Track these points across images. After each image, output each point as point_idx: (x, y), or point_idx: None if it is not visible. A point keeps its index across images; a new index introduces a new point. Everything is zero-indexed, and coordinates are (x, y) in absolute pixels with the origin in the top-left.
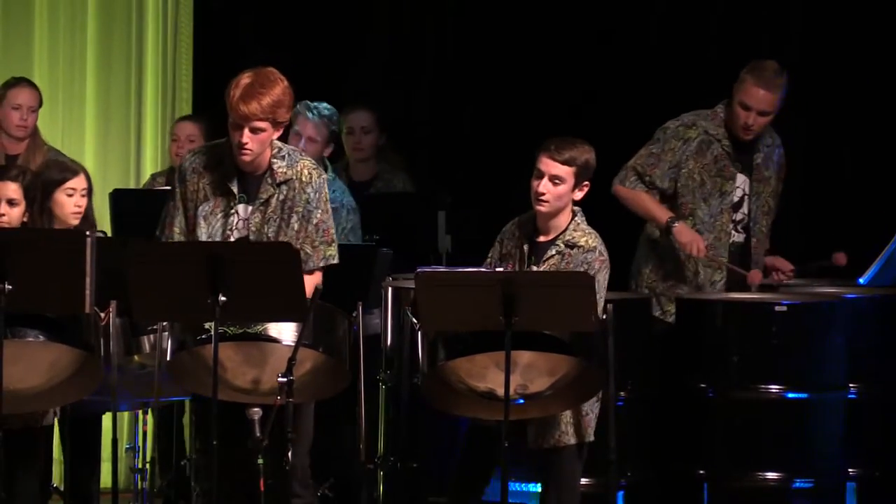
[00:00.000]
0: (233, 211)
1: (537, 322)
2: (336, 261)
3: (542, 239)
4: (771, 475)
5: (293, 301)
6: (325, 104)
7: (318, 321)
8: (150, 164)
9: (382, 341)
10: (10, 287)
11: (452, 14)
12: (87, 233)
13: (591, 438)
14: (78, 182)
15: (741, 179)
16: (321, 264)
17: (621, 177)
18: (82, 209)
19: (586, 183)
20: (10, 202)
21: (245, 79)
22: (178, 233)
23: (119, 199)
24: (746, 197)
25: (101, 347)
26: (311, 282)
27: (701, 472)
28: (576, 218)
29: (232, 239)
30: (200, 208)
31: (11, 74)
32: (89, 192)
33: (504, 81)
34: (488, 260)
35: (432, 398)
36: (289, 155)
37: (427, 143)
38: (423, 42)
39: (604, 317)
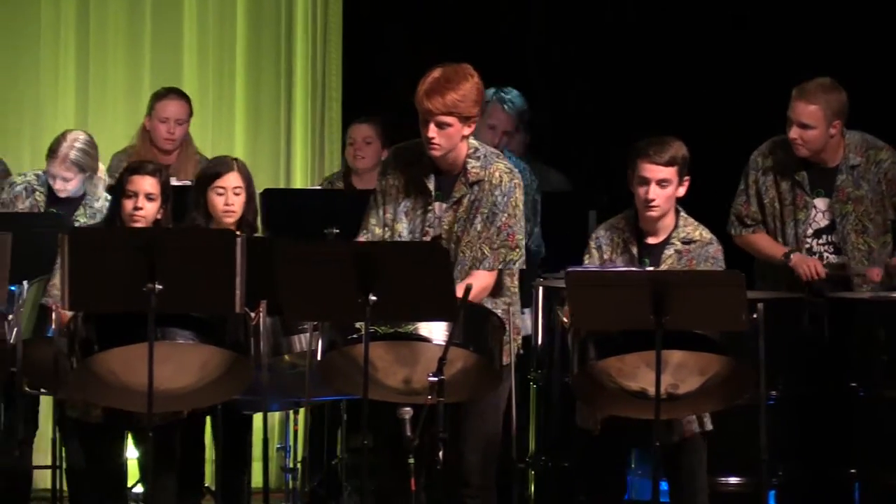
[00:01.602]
0: (430, 208)
1: (688, 321)
2: (521, 266)
3: (652, 241)
4: None
5: (444, 300)
6: (510, 90)
7: (469, 320)
8: (300, 165)
9: (533, 341)
10: (161, 287)
11: (610, 10)
12: (237, 232)
13: (710, 427)
14: (227, 180)
15: (823, 203)
16: (498, 266)
17: (729, 226)
18: (233, 208)
19: (687, 177)
20: (148, 196)
21: (434, 73)
22: (374, 224)
23: (270, 198)
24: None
25: (252, 347)
26: (480, 279)
27: (852, 471)
28: (681, 213)
29: (428, 237)
30: (402, 204)
31: (162, 77)
32: (246, 192)
33: (659, 79)
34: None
35: (583, 397)
36: (485, 156)
37: (581, 141)
38: (575, 39)
39: (754, 316)
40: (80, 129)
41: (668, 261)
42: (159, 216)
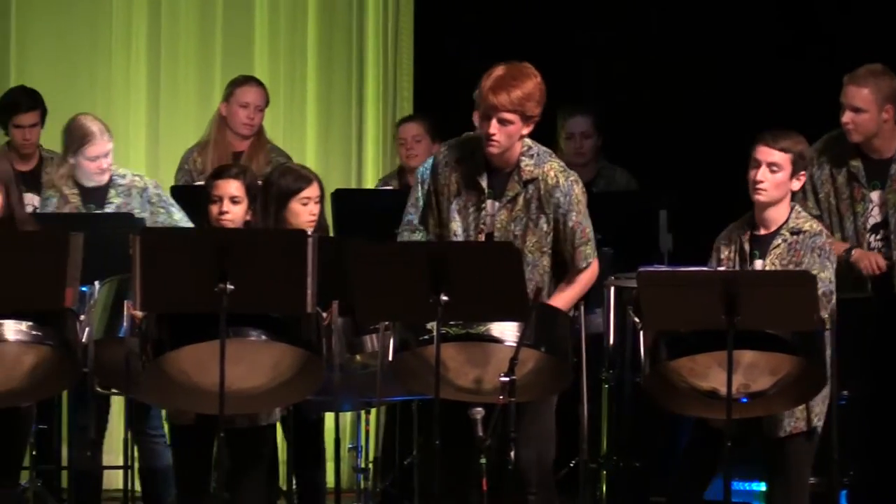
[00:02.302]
0: (483, 206)
1: (759, 321)
2: (594, 258)
3: (763, 232)
4: None
5: (516, 301)
6: None
7: (541, 321)
8: (372, 165)
9: (605, 340)
10: (233, 287)
11: (672, 9)
12: (309, 232)
13: (820, 428)
14: (312, 191)
15: (877, 197)
16: (583, 265)
17: None
18: (316, 217)
19: (803, 173)
20: (233, 200)
21: (498, 70)
22: (428, 223)
23: (341, 199)
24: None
25: (324, 347)
26: (587, 277)
27: None
28: (795, 207)
29: (482, 236)
30: (454, 202)
31: (232, 77)
32: (321, 199)
33: (730, 77)
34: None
35: (655, 397)
36: (538, 155)
37: (650, 141)
38: (640, 39)
39: (825, 315)
40: (151, 135)
41: (776, 251)
42: (248, 217)
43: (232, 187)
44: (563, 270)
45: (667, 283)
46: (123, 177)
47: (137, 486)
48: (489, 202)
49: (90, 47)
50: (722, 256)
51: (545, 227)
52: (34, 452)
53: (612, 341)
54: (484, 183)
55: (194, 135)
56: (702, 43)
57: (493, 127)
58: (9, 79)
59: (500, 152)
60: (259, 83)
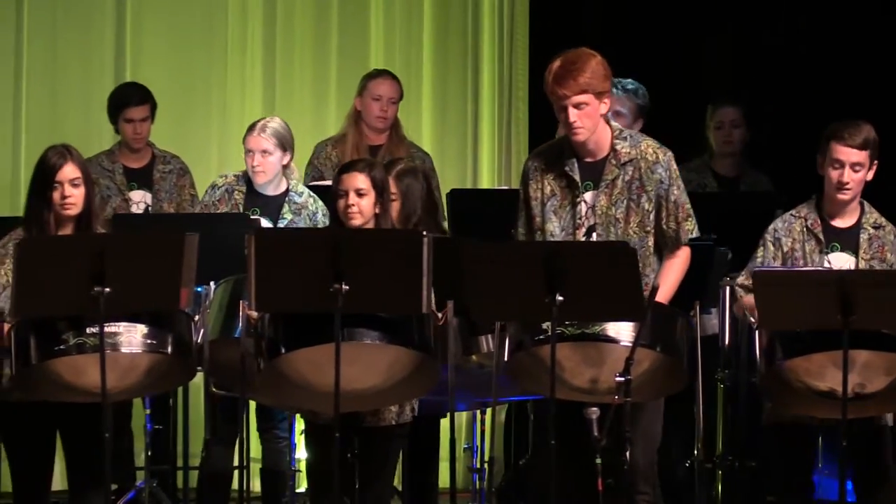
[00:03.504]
0: (579, 200)
1: (875, 321)
2: (696, 233)
3: (839, 224)
4: None
5: (631, 301)
6: (629, 80)
7: (656, 321)
8: (487, 165)
9: (720, 340)
10: (348, 288)
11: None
12: (424, 233)
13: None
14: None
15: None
16: (686, 239)
17: None
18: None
19: (876, 161)
20: (359, 192)
21: (556, 62)
22: (522, 233)
23: (457, 199)
24: None
25: (439, 347)
26: (681, 256)
27: None
28: (863, 199)
29: (582, 230)
30: (548, 204)
31: (348, 79)
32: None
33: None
34: (759, 260)
35: (770, 397)
36: (631, 136)
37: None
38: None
39: None
40: None
41: (864, 245)
42: (376, 211)
43: (357, 180)
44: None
45: (782, 283)
46: (300, 195)
47: (254, 486)
48: (587, 194)
49: (205, 47)
50: (787, 249)
51: (647, 205)
52: (149, 453)
53: (727, 341)
54: (577, 176)
55: (310, 133)
56: (836, 41)
57: (572, 115)
58: (124, 79)
59: (587, 136)
60: (392, 76)
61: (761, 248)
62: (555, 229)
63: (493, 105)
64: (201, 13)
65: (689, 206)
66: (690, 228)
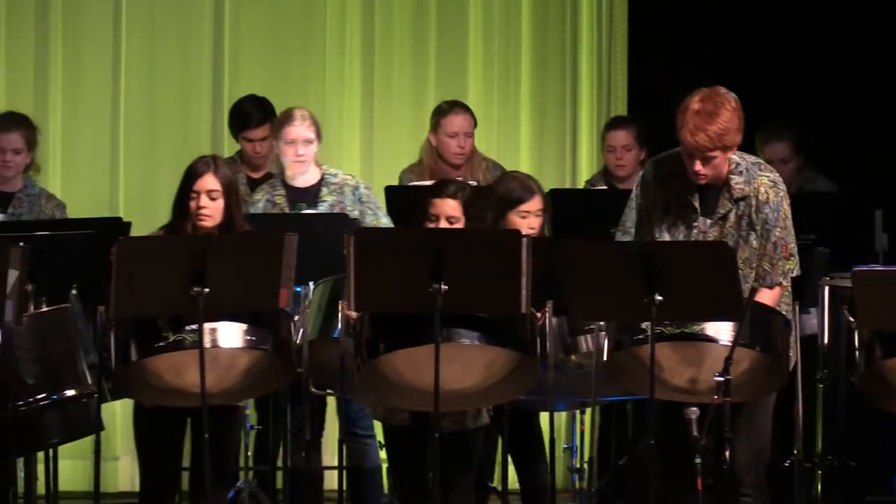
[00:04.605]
0: (694, 224)
1: None
2: (796, 273)
3: None
4: None
5: (730, 300)
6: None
7: (755, 320)
8: (586, 165)
9: (819, 340)
10: (447, 288)
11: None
12: (523, 234)
13: None
14: (533, 204)
15: None
16: (780, 280)
17: None
18: (536, 231)
19: None
20: (450, 219)
21: (694, 105)
22: (629, 235)
23: (556, 198)
24: None
25: (538, 347)
26: (772, 297)
27: None
28: None
29: None
30: (664, 221)
31: (447, 82)
32: (544, 212)
33: None
34: None
35: (870, 396)
36: (747, 170)
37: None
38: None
39: None
40: (365, 134)
41: None
42: None
43: (448, 207)
44: None
45: (882, 283)
46: (335, 175)
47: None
48: (701, 219)
49: (303, 47)
50: None
51: (755, 243)
52: (249, 453)
53: (826, 341)
54: (696, 202)
55: (408, 134)
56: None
57: (698, 165)
58: (223, 80)
59: (706, 183)
60: (464, 108)
61: None
62: None
63: (591, 105)
64: (300, 13)
65: (793, 245)
66: (790, 268)
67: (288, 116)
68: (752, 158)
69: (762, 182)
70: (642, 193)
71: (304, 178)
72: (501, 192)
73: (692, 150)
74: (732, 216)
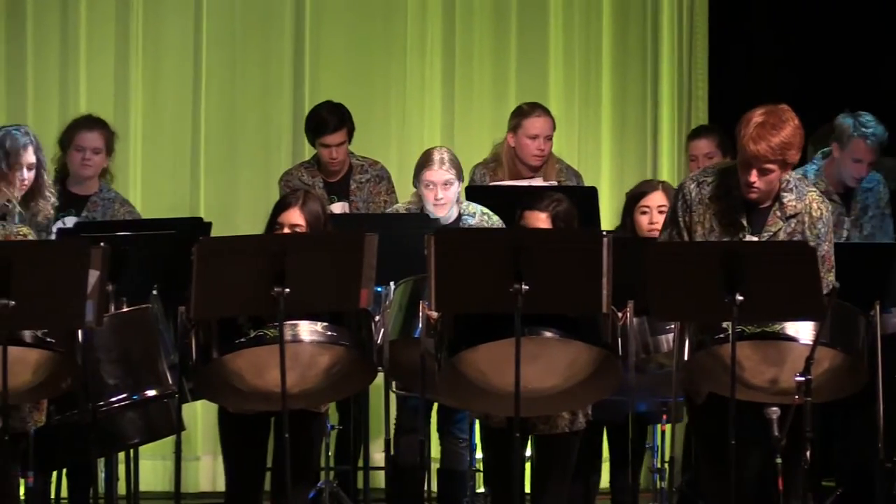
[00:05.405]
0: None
1: None
2: (836, 284)
3: None
4: None
5: (810, 300)
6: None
7: (836, 320)
8: (667, 167)
9: None
10: (528, 287)
11: None
12: (605, 232)
13: None
14: (652, 199)
15: None
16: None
17: None
18: (655, 226)
19: None
20: None
21: (757, 117)
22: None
23: None
24: None
25: (620, 347)
26: None
27: None
28: None
29: None
30: (712, 234)
31: (527, 82)
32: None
33: None
34: None
35: None
36: (796, 187)
37: None
38: None
39: None
40: (446, 135)
41: None
42: None
43: (539, 220)
44: None
45: None
46: (473, 216)
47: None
48: (747, 238)
49: (384, 50)
50: None
51: None
52: (330, 453)
53: None
54: (744, 220)
55: (489, 134)
56: None
57: (754, 176)
58: (303, 84)
59: (758, 197)
60: (545, 111)
61: None
62: None
63: (672, 105)
64: (380, 16)
65: (833, 258)
66: (831, 280)
67: (427, 159)
68: (799, 176)
69: (812, 197)
70: (683, 211)
71: (447, 216)
72: (630, 193)
73: (752, 158)
74: (782, 234)
